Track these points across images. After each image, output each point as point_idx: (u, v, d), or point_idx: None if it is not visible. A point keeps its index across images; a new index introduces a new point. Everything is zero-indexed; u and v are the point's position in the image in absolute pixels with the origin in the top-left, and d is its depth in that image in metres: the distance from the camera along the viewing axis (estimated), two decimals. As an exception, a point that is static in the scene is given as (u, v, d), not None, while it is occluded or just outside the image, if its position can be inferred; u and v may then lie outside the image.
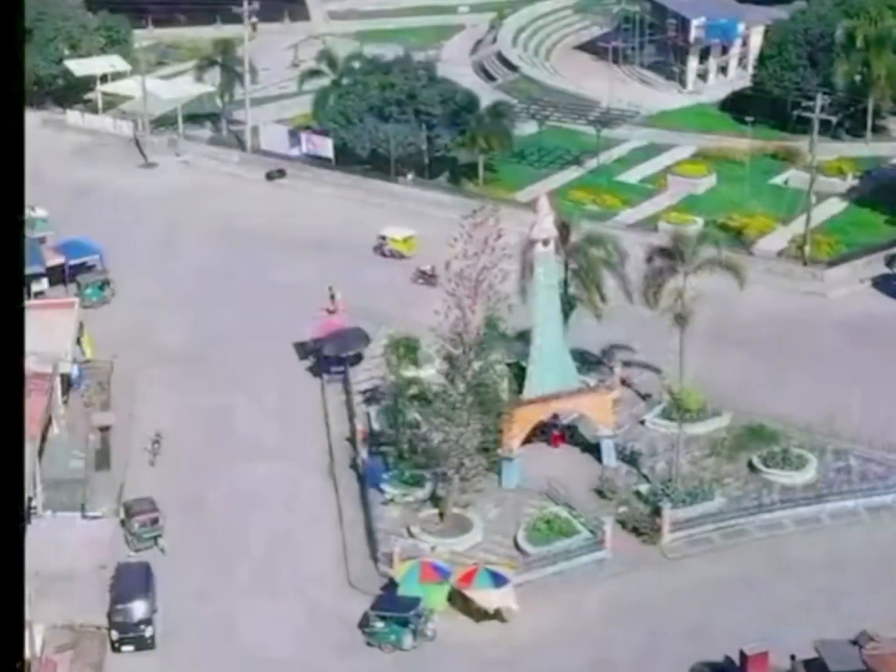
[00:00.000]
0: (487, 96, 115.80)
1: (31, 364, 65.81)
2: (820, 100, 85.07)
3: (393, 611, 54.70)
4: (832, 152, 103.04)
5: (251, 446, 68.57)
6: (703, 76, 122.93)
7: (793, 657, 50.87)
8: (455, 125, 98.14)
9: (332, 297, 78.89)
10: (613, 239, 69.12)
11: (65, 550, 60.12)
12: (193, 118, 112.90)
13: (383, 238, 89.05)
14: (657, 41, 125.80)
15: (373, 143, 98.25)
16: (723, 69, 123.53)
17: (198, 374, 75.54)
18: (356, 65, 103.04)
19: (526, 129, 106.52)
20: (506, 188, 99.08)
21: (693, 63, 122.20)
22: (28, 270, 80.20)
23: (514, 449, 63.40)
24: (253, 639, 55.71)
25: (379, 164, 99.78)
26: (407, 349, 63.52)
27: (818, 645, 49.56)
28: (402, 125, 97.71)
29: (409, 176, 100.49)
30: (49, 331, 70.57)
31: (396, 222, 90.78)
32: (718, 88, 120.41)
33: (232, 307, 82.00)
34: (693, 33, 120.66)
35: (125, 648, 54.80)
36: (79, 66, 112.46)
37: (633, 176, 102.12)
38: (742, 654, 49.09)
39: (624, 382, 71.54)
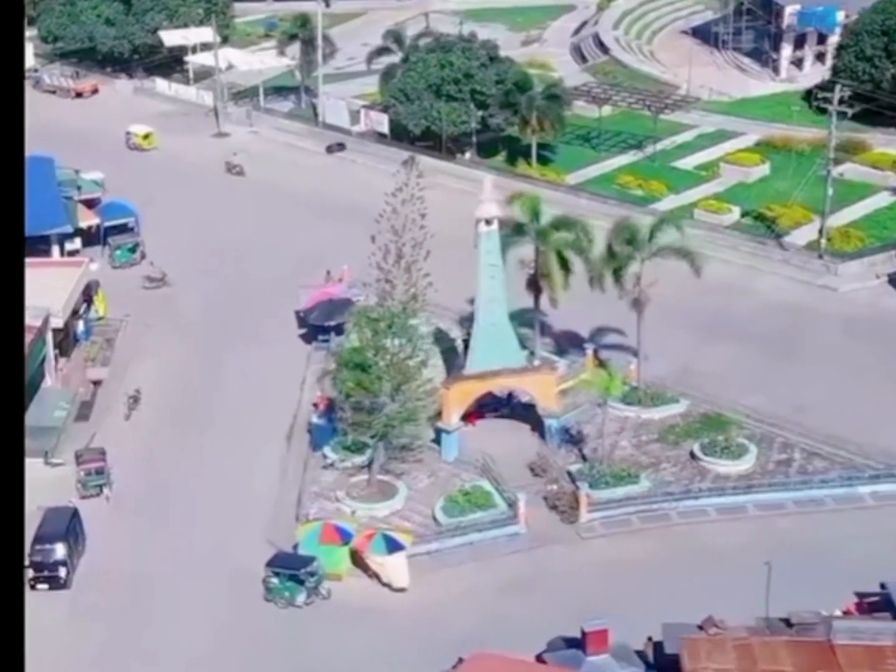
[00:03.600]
0: (574, 77, 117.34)
1: (18, 317, 69.99)
2: (839, 91, 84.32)
3: (285, 568, 57.07)
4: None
5: (225, 407, 71.68)
6: (798, 64, 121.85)
7: (649, 638, 51.66)
8: (509, 105, 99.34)
9: (330, 279, 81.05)
10: (583, 223, 69.81)
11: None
12: (279, 91, 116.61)
13: (129, 133, 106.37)
14: (755, 27, 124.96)
15: (427, 121, 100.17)
16: (820, 57, 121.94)
17: (203, 337, 78.91)
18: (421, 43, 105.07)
19: (599, 112, 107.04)
20: (558, 170, 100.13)
21: (786, 50, 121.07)
22: (59, 230, 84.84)
23: (452, 422, 65.10)
24: (162, 589, 58.53)
25: (438, 143, 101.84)
26: (369, 319, 64.79)
27: (664, 627, 50.24)
28: (456, 104, 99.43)
29: (467, 155, 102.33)
30: (48, 287, 74.59)
31: (437, 197, 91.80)
32: (814, 77, 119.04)
33: (255, 273, 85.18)
34: (786, 20, 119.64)
35: (40, 587, 58.08)
36: (168, 37, 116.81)
37: (690, 162, 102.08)
38: (582, 631, 50.06)
39: (600, 364, 72.40)
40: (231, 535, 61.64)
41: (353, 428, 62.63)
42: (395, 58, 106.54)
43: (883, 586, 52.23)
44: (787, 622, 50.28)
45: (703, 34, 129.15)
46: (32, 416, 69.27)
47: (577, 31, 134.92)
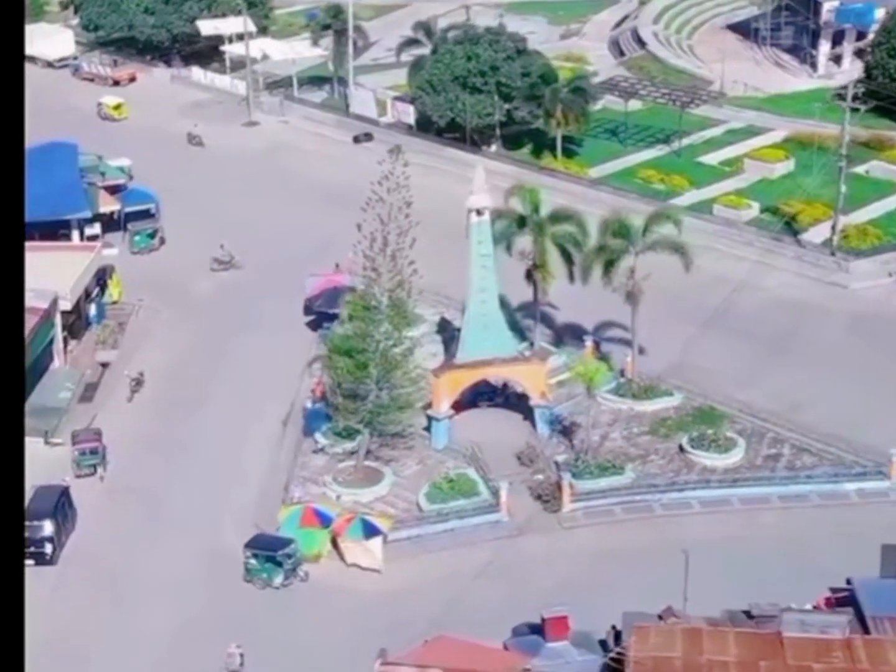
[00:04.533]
0: (609, 71, 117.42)
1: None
2: (852, 87, 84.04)
3: (263, 549, 57.97)
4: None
5: (226, 393, 72.53)
6: (837, 61, 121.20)
7: (613, 626, 52.03)
8: (534, 98, 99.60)
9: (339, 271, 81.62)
10: (580, 216, 70.08)
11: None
12: (314, 81, 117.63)
13: (100, 104, 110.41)
14: (795, 23, 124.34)
15: (452, 112, 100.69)
16: (859, 54, 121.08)
17: (212, 322, 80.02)
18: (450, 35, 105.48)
19: (625, 105, 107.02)
20: (583, 163, 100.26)
21: (825, 47, 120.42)
22: (78, 215, 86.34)
23: (442, 410, 65.68)
24: (148, 568, 59.63)
25: (464, 135, 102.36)
26: (361, 307, 65.33)
27: (624, 616, 50.54)
28: (481, 96, 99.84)
29: (493, 147, 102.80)
30: (58, 270, 76.06)
31: (460, 189, 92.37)
32: (852, 73, 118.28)
33: (270, 260, 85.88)
34: (824, 17, 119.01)
35: (26, 562, 59.09)
36: (204, 27, 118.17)
37: (716, 158, 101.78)
38: (541, 618, 50.61)
39: (602, 358, 72.61)
40: (220, 517, 62.71)
41: (341, 413, 63.33)
42: (426, 49, 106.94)
43: (849, 582, 52.25)
44: (749, 614, 50.72)
45: (744, 30, 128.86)
46: (37, 397, 71.00)
47: (617, 25, 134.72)
